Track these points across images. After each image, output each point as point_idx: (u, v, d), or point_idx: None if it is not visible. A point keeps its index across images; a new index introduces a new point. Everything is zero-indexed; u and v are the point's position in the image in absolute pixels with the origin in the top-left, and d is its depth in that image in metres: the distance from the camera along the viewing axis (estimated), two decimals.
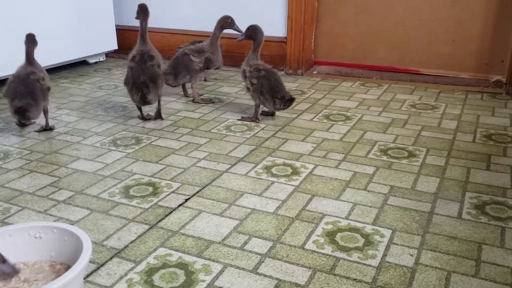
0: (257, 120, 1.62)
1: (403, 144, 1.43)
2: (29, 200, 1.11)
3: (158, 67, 1.59)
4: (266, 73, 1.57)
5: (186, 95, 1.91)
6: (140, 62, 1.56)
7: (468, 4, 2.05)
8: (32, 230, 0.79)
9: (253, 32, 1.60)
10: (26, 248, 0.79)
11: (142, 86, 1.52)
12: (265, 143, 1.45)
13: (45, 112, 1.53)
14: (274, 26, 2.27)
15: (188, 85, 1.91)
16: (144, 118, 1.64)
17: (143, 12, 1.63)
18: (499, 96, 1.91)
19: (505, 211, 1.06)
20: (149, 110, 1.70)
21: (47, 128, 1.54)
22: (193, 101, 1.84)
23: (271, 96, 1.55)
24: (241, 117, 1.66)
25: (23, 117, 1.44)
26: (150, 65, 1.56)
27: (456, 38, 2.11)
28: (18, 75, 1.48)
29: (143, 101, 1.55)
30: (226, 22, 1.83)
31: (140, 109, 1.64)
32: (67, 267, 0.77)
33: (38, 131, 1.54)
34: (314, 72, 2.29)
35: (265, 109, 1.68)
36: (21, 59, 1.54)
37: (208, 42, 1.85)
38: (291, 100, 1.56)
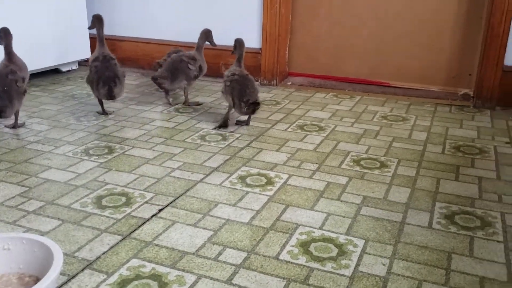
0: (226, 122, 1.68)
1: (375, 155, 1.46)
2: None
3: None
4: (239, 78, 1.63)
5: (187, 103, 1.93)
6: (104, 61, 1.71)
7: (437, 19, 2.11)
8: (1, 242, 0.77)
9: (236, 44, 1.72)
10: None
11: (109, 81, 1.65)
12: (240, 153, 1.45)
13: (16, 112, 1.59)
14: (249, 37, 2.28)
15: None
16: (105, 113, 1.76)
17: (98, 21, 1.78)
18: (466, 109, 1.97)
19: (473, 221, 1.09)
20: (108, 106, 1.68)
21: (16, 126, 1.61)
22: (184, 103, 1.92)
23: (238, 100, 1.59)
24: (216, 126, 1.68)
25: None
26: (113, 63, 1.72)
27: (425, 53, 2.17)
28: None
29: (110, 95, 1.66)
30: (208, 34, 1.95)
31: (102, 103, 1.76)
32: (37, 280, 0.76)
33: (8, 127, 1.61)
34: (288, 83, 2.31)
35: (241, 118, 1.70)
36: None
37: (196, 52, 1.92)
38: (255, 104, 1.59)
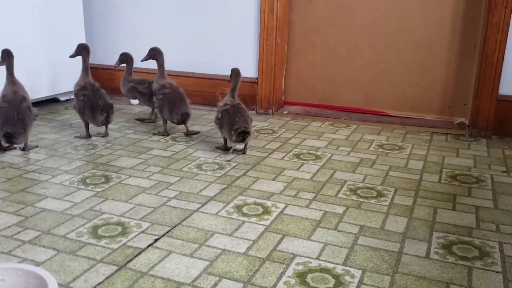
0: (228, 150, 1.74)
1: (371, 184, 1.46)
2: None
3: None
4: (230, 108, 1.67)
5: (188, 133, 1.93)
6: (93, 90, 1.81)
7: (432, 49, 2.15)
8: None
9: (232, 74, 1.74)
10: None
11: (107, 108, 1.78)
12: (236, 182, 1.45)
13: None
14: (246, 67, 2.32)
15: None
16: (89, 135, 1.84)
17: (86, 51, 1.86)
18: (462, 138, 1.98)
19: (471, 250, 1.08)
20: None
21: (26, 149, 1.69)
22: (186, 134, 1.93)
23: (228, 128, 1.63)
24: (216, 147, 1.77)
25: (8, 141, 1.59)
26: (102, 92, 1.83)
27: (421, 82, 2.20)
28: (11, 100, 1.61)
29: (107, 120, 1.79)
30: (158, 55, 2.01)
31: (87, 126, 1.84)
32: None
33: (23, 149, 1.68)
34: (285, 112, 2.33)
35: (237, 147, 1.73)
36: None
37: (167, 79, 1.95)
38: (244, 132, 1.61)
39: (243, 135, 1.61)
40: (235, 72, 1.73)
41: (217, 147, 1.76)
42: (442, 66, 2.16)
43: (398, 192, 1.40)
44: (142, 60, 1.98)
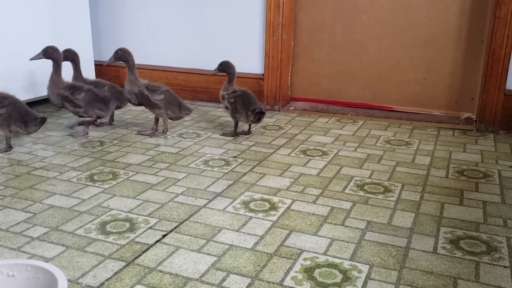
0: (237, 135, 1.86)
1: (379, 180, 1.46)
2: (2, 237, 1.08)
3: None
4: (241, 93, 1.81)
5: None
6: (98, 85, 1.93)
7: (438, 44, 2.14)
8: (5, 268, 0.78)
9: (226, 66, 1.86)
10: None
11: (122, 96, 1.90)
12: (243, 178, 1.45)
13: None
14: (252, 63, 2.32)
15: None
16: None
17: (76, 57, 1.90)
18: (469, 133, 1.98)
19: (479, 245, 1.08)
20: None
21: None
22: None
23: (244, 111, 1.78)
24: (223, 133, 1.88)
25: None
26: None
27: (427, 77, 2.19)
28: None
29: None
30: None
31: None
32: None
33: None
34: (291, 108, 2.33)
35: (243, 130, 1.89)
36: None
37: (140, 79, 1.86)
38: (261, 112, 1.77)
39: (260, 115, 1.78)
40: (228, 64, 1.85)
41: (224, 134, 1.87)
42: (448, 61, 2.15)
43: (405, 187, 1.40)
44: (107, 63, 1.87)
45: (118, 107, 1.98)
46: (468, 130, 2.01)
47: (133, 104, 1.85)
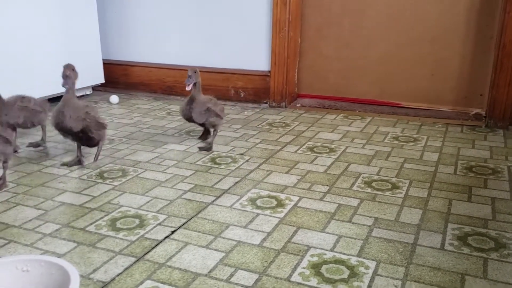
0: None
1: (386, 176, 1.46)
2: (15, 234, 1.10)
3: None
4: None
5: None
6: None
7: (447, 40, 2.13)
8: (20, 264, 0.79)
9: (196, 75, 1.66)
10: (14, 281, 0.79)
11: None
12: (250, 175, 1.46)
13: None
14: (258, 60, 2.33)
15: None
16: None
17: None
18: (478, 129, 1.97)
19: (487, 242, 1.08)
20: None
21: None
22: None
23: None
24: (199, 147, 1.71)
25: None
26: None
27: (436, 73, 2.19)
28: None
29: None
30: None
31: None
32: None
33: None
34: (298, 105, 2.34)
35: (202, 144, 1.75)
36: (5, 90, 1.55)
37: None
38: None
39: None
40: (197, 73, 1.66)
41: (202, 148, 1.70)
42: (457, 57, 2.14)
43: (413, 184, 1.40)
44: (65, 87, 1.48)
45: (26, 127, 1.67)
46: (477, 126, 2.01)
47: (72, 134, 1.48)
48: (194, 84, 1.65)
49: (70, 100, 1.45)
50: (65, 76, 1.44)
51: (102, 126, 1.51)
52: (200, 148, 1.69)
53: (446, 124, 2.03)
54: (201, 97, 1.67)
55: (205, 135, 1.82)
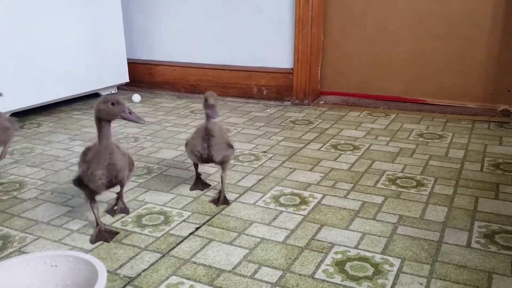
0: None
1: (411, 174, 1.44)
2: (44, 230, 1.13)
3: None
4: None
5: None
6: None
7: (473, 35, 2.09)
8: (49, 259, 0.81)
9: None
10: (43, 276, 0.81)
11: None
12: (273, 172, 1.47)
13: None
14: (281, 57, 2.33)
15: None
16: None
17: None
18: (506, 125, 1.93)
19: None
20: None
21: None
22: None
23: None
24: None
25: None
26: None
27: (461, 69, 2.15)
28: None
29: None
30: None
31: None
32: None
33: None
34: (321, 102, 2.33)
35: (212, 196, 1.33)
36: (32, 90, 1.58)
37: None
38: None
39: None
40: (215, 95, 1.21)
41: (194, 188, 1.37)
42: (483, 52, 2.10)
43: (438, 181, 1.38)
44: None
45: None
46: (505, 123, 1.96)
47: None
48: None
49: None
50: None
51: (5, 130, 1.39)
52: (217, 204, 1.27)
53: (473, 121, 1.99)
54: (217, 128, 1.23)
55: (200, 182, 1.39)
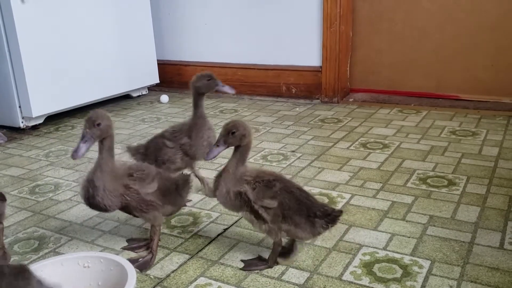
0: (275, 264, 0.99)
1: (442, 172, 1.42)
2: (78, 230, 1.17)
3: None
4: (284, 184, 0.96)
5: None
6: None
7: (507, 29, 2.03)
8: (81, 260, 0.84)
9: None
10: (76, 277, 0.84)
11: None
12: (301, 172, 1.47)
13: None
14: (309, 55, 2.31)
15: None
16: None
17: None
18: None
19: None
20: None
21: None
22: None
23: (304, 216, 0.93)
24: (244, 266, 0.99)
25: None
26: None
27: (495, 63, 2.09)
28: None
29: None
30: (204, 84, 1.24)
31: None
32: None
33: None
34: (350, 100, 2.30)
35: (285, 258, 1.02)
36: (66, 93, 1.62)
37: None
38: (339, 213, 0.94)
39: (336, 217, 0.95)
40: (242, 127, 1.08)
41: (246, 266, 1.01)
42: None
43: (470, 180, 1.35)
44: None
45: None
46: None
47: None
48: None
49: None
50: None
51: None
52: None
53: (508, 117, 1.93)
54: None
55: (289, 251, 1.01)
